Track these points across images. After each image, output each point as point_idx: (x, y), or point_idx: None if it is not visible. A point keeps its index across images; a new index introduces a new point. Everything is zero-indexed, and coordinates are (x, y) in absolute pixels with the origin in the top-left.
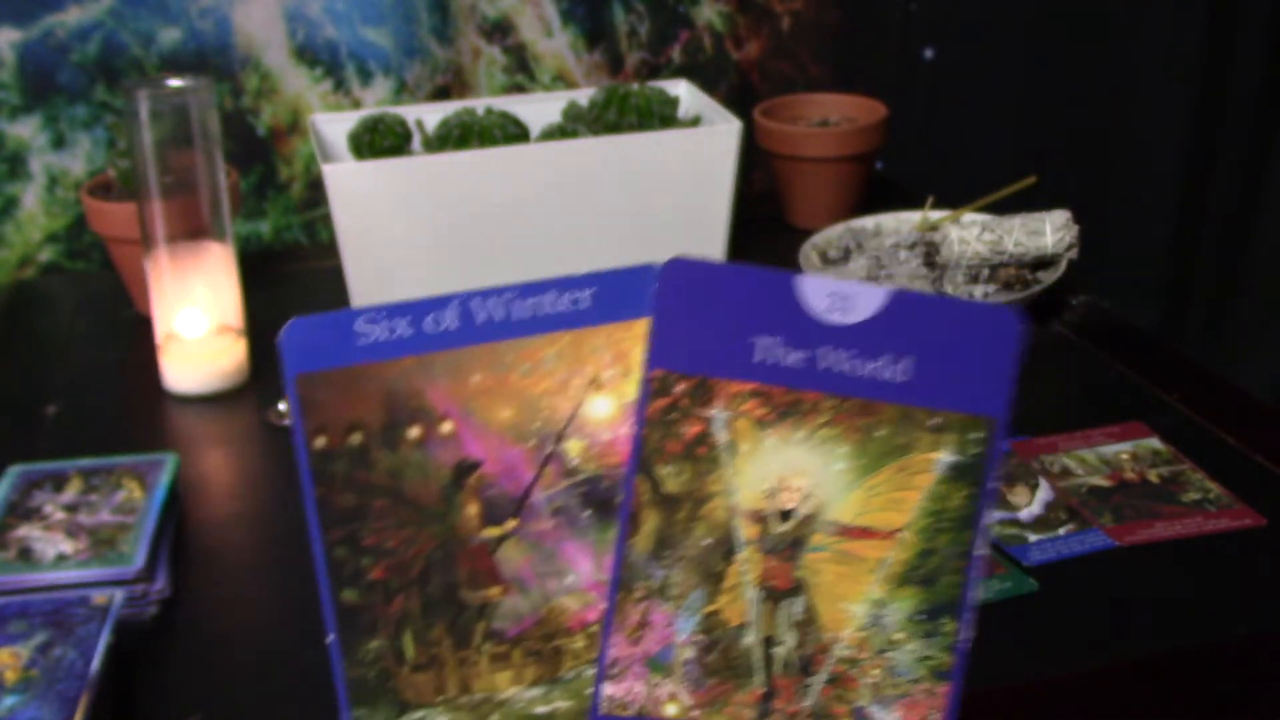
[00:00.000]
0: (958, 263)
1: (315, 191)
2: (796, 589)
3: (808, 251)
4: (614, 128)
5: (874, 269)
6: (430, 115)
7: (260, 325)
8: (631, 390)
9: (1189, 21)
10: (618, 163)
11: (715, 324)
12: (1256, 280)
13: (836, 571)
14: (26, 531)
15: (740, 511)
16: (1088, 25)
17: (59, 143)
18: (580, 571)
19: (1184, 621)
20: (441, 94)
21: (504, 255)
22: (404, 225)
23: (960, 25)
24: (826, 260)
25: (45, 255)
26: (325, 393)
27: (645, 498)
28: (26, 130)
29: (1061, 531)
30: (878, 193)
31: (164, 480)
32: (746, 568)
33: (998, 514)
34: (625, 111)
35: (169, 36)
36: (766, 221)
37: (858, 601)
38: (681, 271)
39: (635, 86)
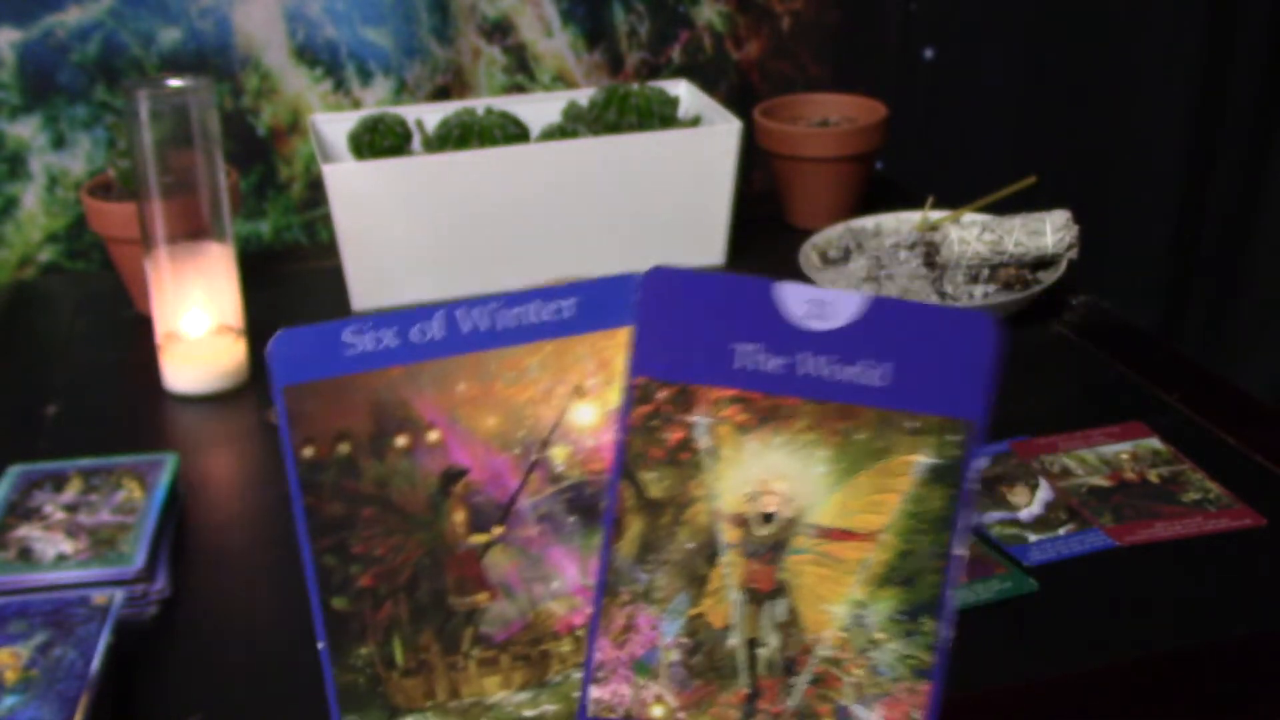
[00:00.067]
0: (958, 263)
1: (315, 191)
2: (779, 591)
3: (808, 251)
4: (614, 128)
5: (874, 269)
6: (430, 115)
7: (260, 325)
8: (614, 398)
9: (1189, 21)
10: (618, 163)
11: (696, 331)
12: (1256, 280)
13: (818, 573)
14: (26, 531)
15: (723, 515)
16: (1088, 25)
17: (59, 143)
18: (566, 576)
19: (1184, 621)
20: (441, 94)
21: (504, 255)
22: (404, 225)
23: (960, 25)
24: (826, 260)
25: (45, 255)
26: (313, 403)
27: (629, 503)
28: (26, 130)
29: (1061, 531)
30: (878, 193)
31: (164, 480)
32: (729, 571)
33: (997, 514)
34: (625, 111)
35: (169, 36)
36: (766, 221)
37: (839, 602)
38: (662, 280)
39: (635, 86)
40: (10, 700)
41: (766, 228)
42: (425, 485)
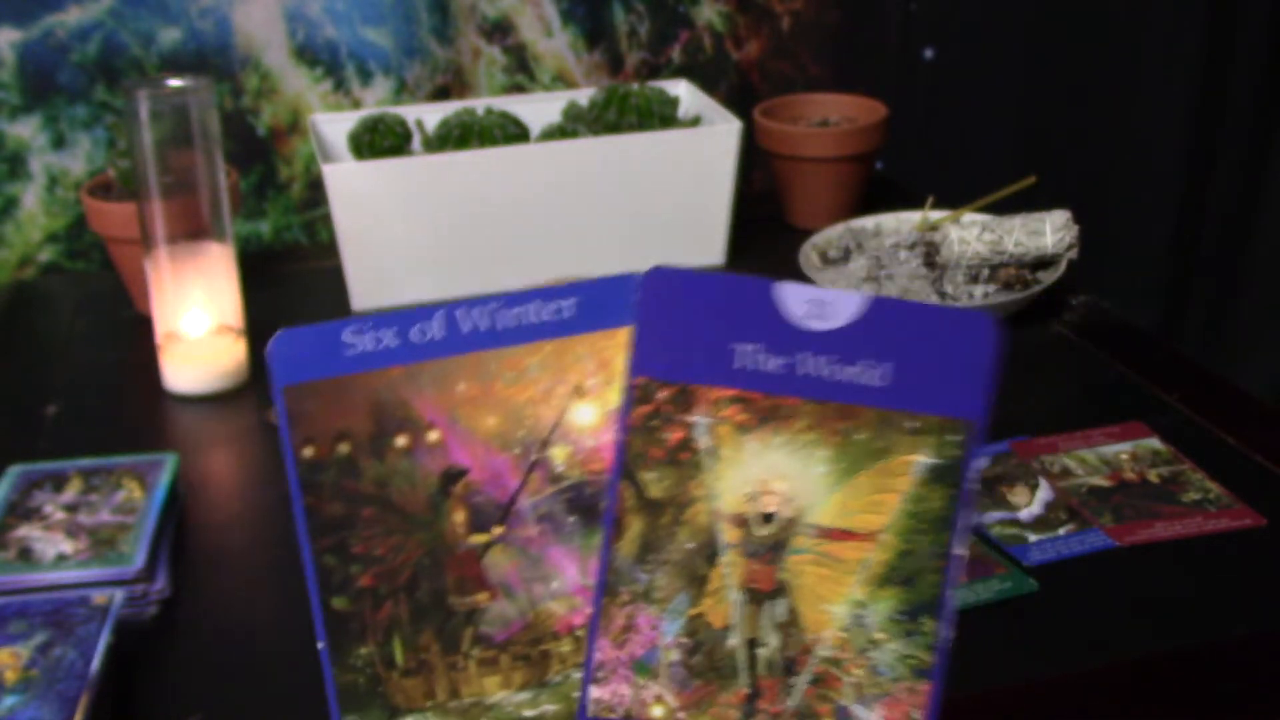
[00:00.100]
0: (958, 263)
1: (315, 191)
2: (779, 591)
3: (808, 251)
4: (614, 128)
5: (874, 269)
6: (430, 115)
7: (260, 325)
8: (614, 398)
9: (1189, 21)
10: (618, 163)
11: (696, 332)
12: (1256, 280)
13: (818, 573)
14: (26, 531)
15: (723, 515)
16: (1088, 25)
17: (59, 143)
18: (566, 576)
19: (1184, 621)
20: (441, 94)
21: (504, 255)
22: (404, 225)
23: (960, 25)
24: (826, 260)
25: (45, 255)
26: (313, 403)
27: (629, 503)
28: (26, 130)
29: (1061, 531)
30: (878, 193)
31: (164, 480)
32: (729, 571)
33: (997, 514)
34: (625, 111)
35: (169, 36)
36: (766, 221)
37: (839, 602)
38: (662, 280)
39: (635, 86)
40: (10, 700)
41: (766, 228)
42: (425, 485)
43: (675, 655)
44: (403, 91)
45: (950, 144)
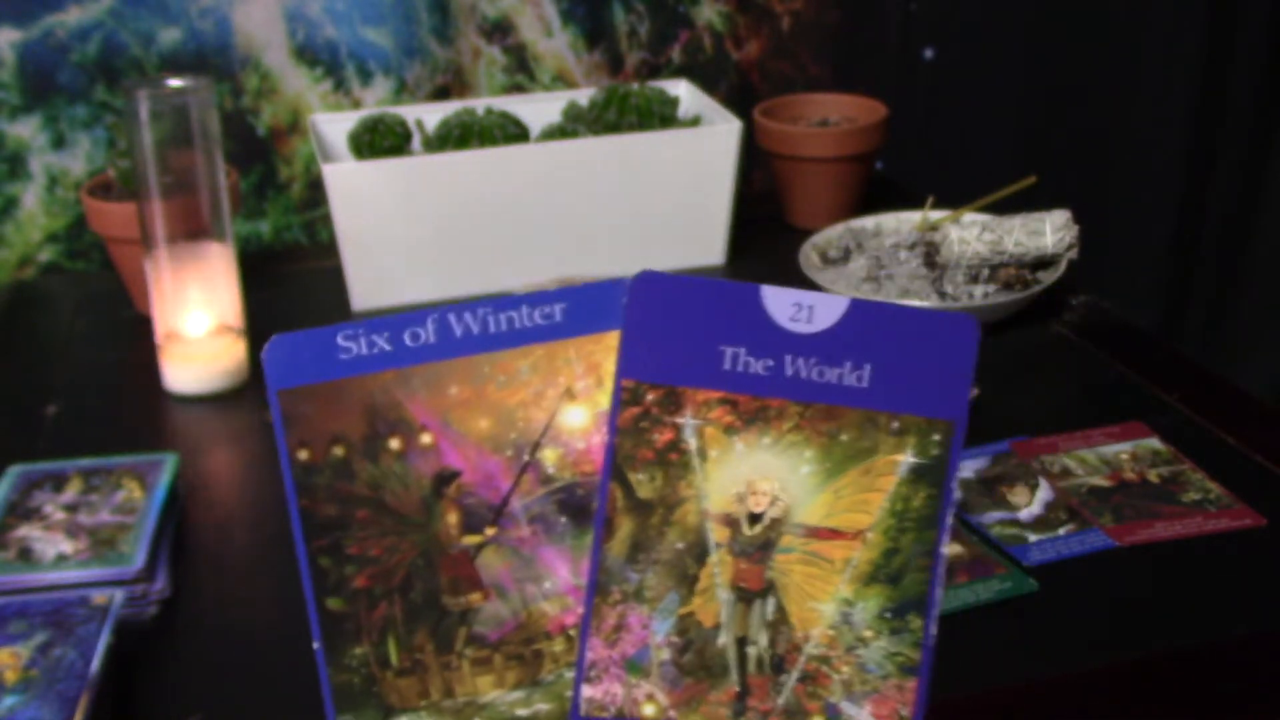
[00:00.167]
0: (958, 263)
1: (315, 191)
2: (767, 590)
3: (808, 251)
4: (614, 128)
5: (874, 269)
6: (430, 115)
7: (260, 325)
8: (604, 400)
9: (1189, 21)
10: (618, 163)
11: (684, 335)
12: (1256, 280)
13: (805, 572)
14: (26, 531)
15: (711, 515)
16: (1088, 25)
17: (59, 143)
18: (558, 577)
19: (1184, 621)
20: (441, 94)
21: (504, 255)
22: (404, 225)
23: (960, 25)
24: (826, 260)
25: (45, 255)
26: (308, 407)
27: (619, 504)
28: (26, 130)
29: (1061, 531)
30: (878, 193)
31: (164, 480)
32: (719, 570)
33: (997, 514)
34: (625, 111)
35: (169, 36)
36: (766, 221)
37: (827, 601)
38: (651, 285)
39: (635, 86)
40: (10, 700)
41: (766, 228)
42: (418, 487)
43: (666, 654)
44: (403, 91)
45: (950, 144)
